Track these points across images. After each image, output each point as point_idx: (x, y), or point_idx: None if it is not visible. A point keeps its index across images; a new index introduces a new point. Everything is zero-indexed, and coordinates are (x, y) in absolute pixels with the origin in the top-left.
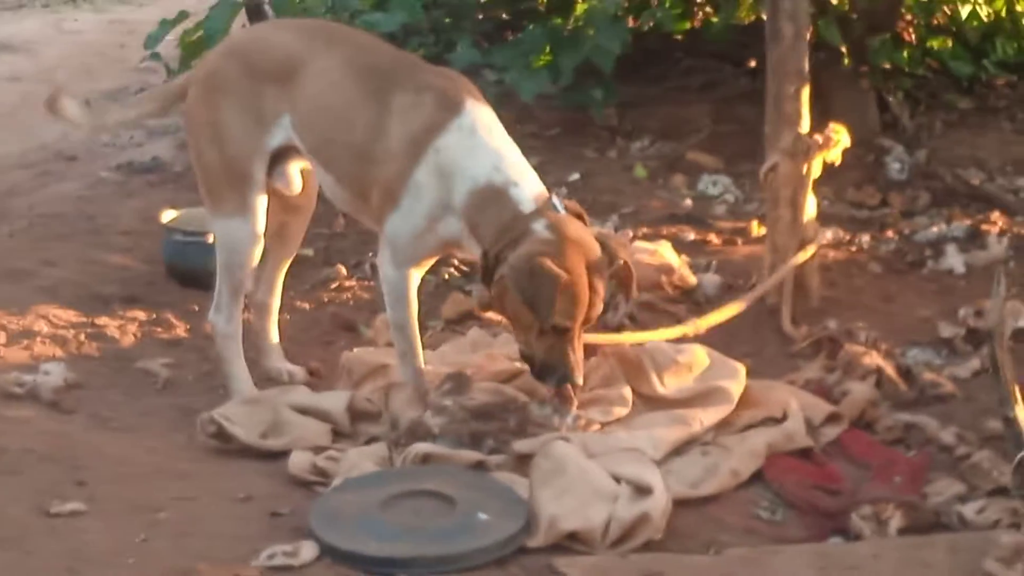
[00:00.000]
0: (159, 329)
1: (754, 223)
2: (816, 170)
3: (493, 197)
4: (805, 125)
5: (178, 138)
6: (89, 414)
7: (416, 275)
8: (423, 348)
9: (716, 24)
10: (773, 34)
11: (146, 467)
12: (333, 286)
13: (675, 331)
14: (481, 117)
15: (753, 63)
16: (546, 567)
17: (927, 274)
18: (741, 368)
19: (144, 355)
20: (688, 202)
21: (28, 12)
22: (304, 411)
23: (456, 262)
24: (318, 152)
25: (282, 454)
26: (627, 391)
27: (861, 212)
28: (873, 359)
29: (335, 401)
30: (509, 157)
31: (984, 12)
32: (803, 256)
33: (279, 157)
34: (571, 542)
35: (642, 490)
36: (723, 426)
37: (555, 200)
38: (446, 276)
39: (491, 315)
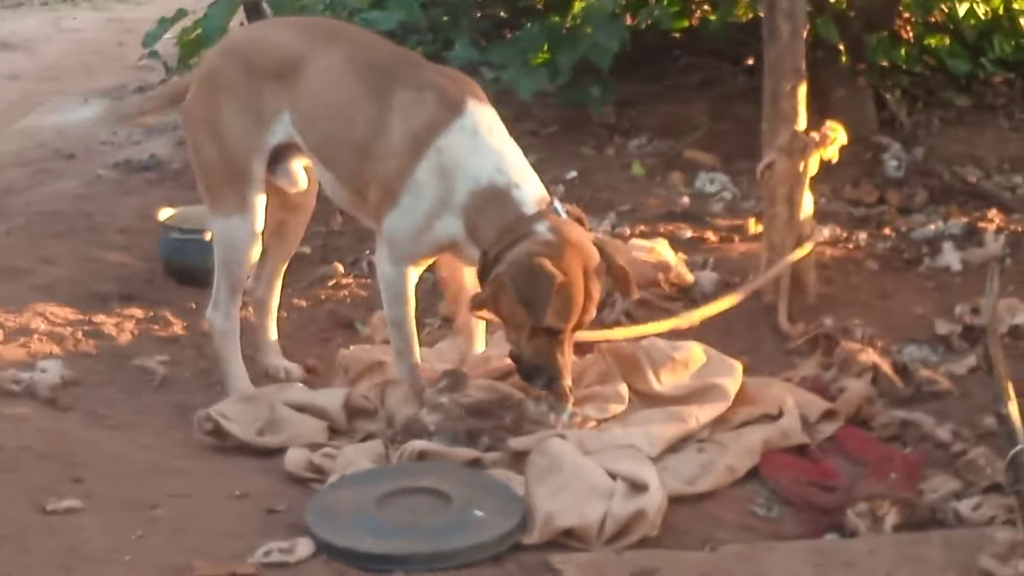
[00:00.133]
0: (156, 327)
1: (751, 221)
2: (813, 168)
3: (495, 198)
4: (802, 123)
5: (176, 136)
6: (86, 411)
7: (414, 273)
8: (420, 346)
9: (714, 22)
10: (770, 32)
11: (143, 464)
12: (330, 284)
13: (666, 324)
14: (483, 118)
15: (751, 61)
16: (542, 564)
17: (924, 271)
18: (737, 365)
19: (141, 353)
20: (685, 200)
21: (27, 10)
22: (301, 408)
23: None
24: (319, 149)
25: (278, 451)
26: (623, 388)
27: (858, 210)
28: (869, 356)
29: (332, 398)
30: (511, 159)
31: (981, 10)
32: (800, 253)
33: (281, 155)
34: (567, 539)
35: (638, 487)
36: (719, 423)
37: (556, 203)
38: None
39: (484, 314)
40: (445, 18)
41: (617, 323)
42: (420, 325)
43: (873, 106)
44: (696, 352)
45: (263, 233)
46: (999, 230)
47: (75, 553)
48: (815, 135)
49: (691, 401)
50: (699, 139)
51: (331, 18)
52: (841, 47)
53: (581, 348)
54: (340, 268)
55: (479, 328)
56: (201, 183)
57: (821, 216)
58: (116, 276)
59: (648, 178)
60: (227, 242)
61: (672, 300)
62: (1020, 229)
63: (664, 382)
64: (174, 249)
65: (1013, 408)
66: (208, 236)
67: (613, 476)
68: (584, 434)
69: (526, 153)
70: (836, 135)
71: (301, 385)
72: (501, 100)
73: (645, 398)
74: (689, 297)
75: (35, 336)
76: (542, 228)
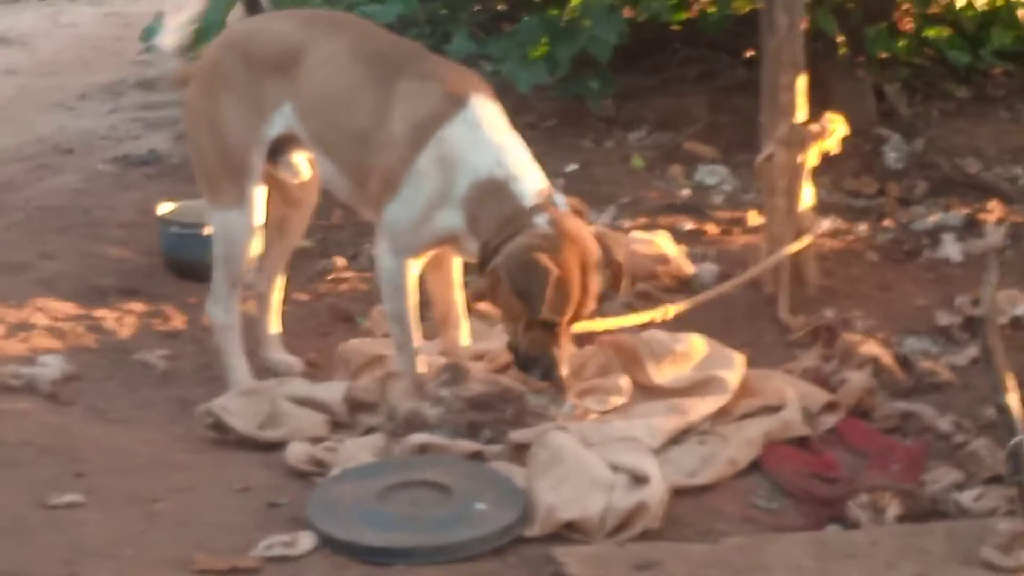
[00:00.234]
0: (157, 321)
1: (751, 213)
2: (812, 160)
3: (494, 190)
4: (801, 115)
5: (175, 131)
6: (87, 406)
7: (414, 265)
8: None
9: (713, 14)
10: (769, 24)
11: (144, 458)
12: (330, 277)
13: (644, 316)
14: (486, 111)
15: (750, 53)
16: (543, 557)
17: (924, 263)
18: (739, 357)
19: (142, 347)
20: (685, 192)
21: (24, 5)
22: (302, 402)
23: None
24: (320, 139)
25: (280, 445)
26: (624, 380)
27: (858, 201)
28: (870, 348)
29: (333, 392)
30: (512, 152)
31: (980, 1)
32: (797, 245)
33: (282, 147)
34: (569, 531)
35: (639, 479)
36: (720, 415)
37: (557, 196)
38: None
39: (484, 306)
40: (443, 11)
41: (617, 315)
42: (421, 318)
43: (873, 98)
44: (697, 344)
45: (264, 228)
46: (999, 221)
47: (77, 547)
48: (814, 127)
49: (692, 393)
50: (699, 131)
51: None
52: (840, 39)
53: (581, 340)
54: (340, 262)
55: (464, 325)
56: (200, 176)
57: (821, 208)
58: (116, 271)
59: (648, 171)
60: (226, 235)
61: (672, 292)
62: (1020, 220)
63: (665, 374)
64: (174, 244)
65: (1012, 399)
66: (207, 231)
67: (615, 468)
68: (585, 426)
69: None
70: (835, 127)
71: (302, 379)
72: (500, 93)
73: (646, 390)
74: (689, 289)
75: (35, 331)
76: (541, 221)
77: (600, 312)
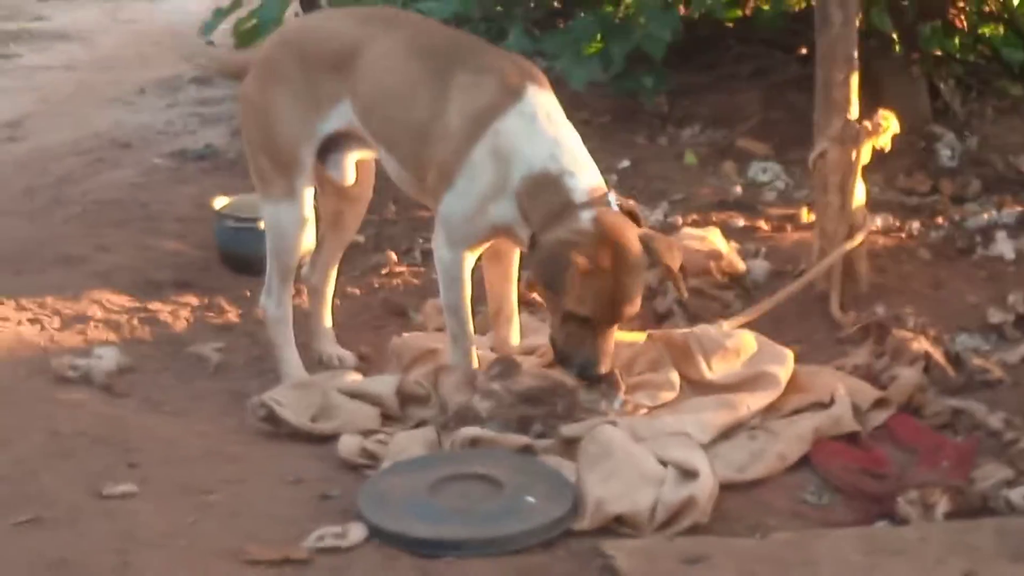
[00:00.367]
0: (211, 314)
1: (803, 210)
2: (865, 156)
3: (547, 184)
4: (854, 112)
5: (231, 126)
6: (141, 398)
7: (470, 258)
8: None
9: (767, 11)
10: (823, 20)
11: (197, 450)
12: (383, 272)
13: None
14: (542, 104)
15: (804, 50)
16: (592, 550)
17: (977, 260)
18: (789, 353)
19: (196, 340)
20: (738, 189)
21: (84, 1)
22: (354, 395)
23: None
24: (381, 135)
25: (332, 437)
26: (674, 375)
27: (911, 199)
28: (921, 345)
29: (384, 385)
30: (567, 146)
31: None
32: (850, 245)
33: (335, 146)
34: (618, 525)
35: (689, 474)
36: (770, 411)
37: (610, 196)
38: None
39: (535, 295)
40: (499, 8)
41: (669, 312)
42: (473, 313)
43: (927, 95)
44: (748, 340)
45: (319, 222)
46: None
47: (130, 537)
48: (867, 124)
49: (742, 389)
50: (752, 128)
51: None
52: (895, 36)
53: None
54: (393, 256)
55: (515, 322)
56: (253, 169)
57: (874, 205)
58: (172, 264)
59: (701, 167)
60: (277, 228)
61: (724, 288)
62: None
63: (715, 370)
64: (229, 237)
65: None
66: (262, 225)
67: (664, 463)
68: (635, 421)
69: None
70: (888, 124)
71: (354, 372)
72: (554, 90)
73: (696, 386)
74: (741, 285)
75: (91, 323)
76: (584, 216)
77: (653, 310)
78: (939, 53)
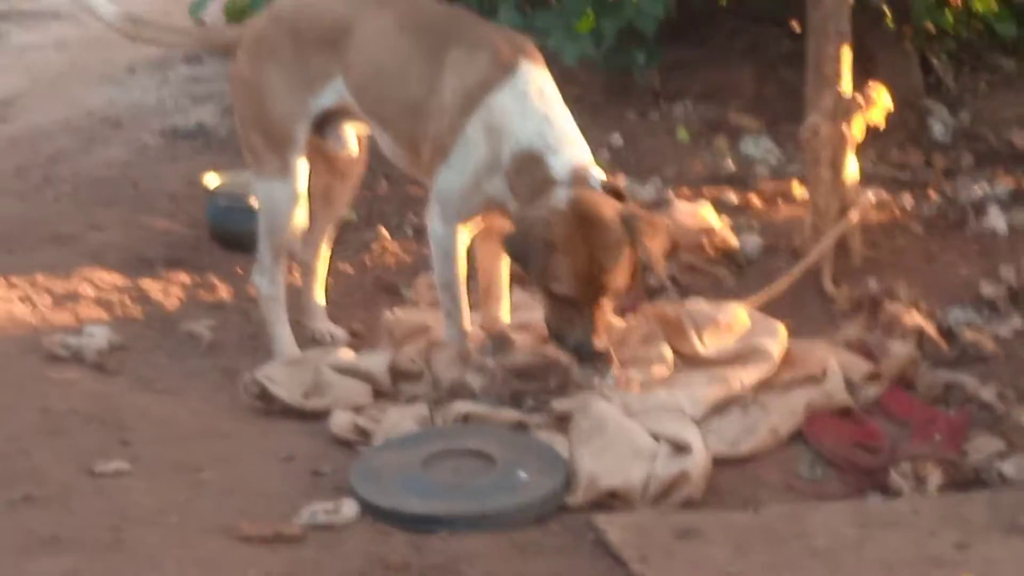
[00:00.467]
0: (203, 292)
1: (796, 184)
2: (858, 131)
3: (531, 161)
4: (846, 86)
5: (222, 104)
6: (133, 376)
7: (464, 233)
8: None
9: None
10: None
11: (189, 427)
12: (375, 248)
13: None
14: (535, 80)
15: (797, 25)
16: (585, 525)
17: (969, 234)
18: (782, 328)
19: (188, 317)
20: (730, 164)
21: None
22: (346, 372)
23: None
24: (375, 111)
25: (324, 414)
26: (667, 351)
27: (904, 173)
28: (914, 318)
29: (376, 361)
30: (556, 123)
31: None
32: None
33: (331, 119)
34: (610, 500)
35: (681, 448)
36: (763, 385)
37: (593, 174)
38: None
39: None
40: None
41: (661, 287)
42: (468, 290)
43: (919, 70)
44: (740, 315)
45: (310, 198)
46: None
47: (123, 514)
48: (859, 98)
49: (735, 363)
50: (744, 103)
51: None
52: (887, 11)
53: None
54: (385, 233)
55: (505, 300)
56: (245, 147)
57: (867, 180)
58: (163, 242)
59: (693, 143)
60: (269, 205)
61: (716, 264)
62: None
63: (708, 345)
64: (220, 215)
65: None
66: (254, 202)
67: (657, 438)
68: (628, 396)
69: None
70: (880, 98)
71: (346, 349)
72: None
73: (689, 360)
74: (733, 261)
75: (83, 301)
76: (560, 195)
77: (646, 289)
78: (932, 27)
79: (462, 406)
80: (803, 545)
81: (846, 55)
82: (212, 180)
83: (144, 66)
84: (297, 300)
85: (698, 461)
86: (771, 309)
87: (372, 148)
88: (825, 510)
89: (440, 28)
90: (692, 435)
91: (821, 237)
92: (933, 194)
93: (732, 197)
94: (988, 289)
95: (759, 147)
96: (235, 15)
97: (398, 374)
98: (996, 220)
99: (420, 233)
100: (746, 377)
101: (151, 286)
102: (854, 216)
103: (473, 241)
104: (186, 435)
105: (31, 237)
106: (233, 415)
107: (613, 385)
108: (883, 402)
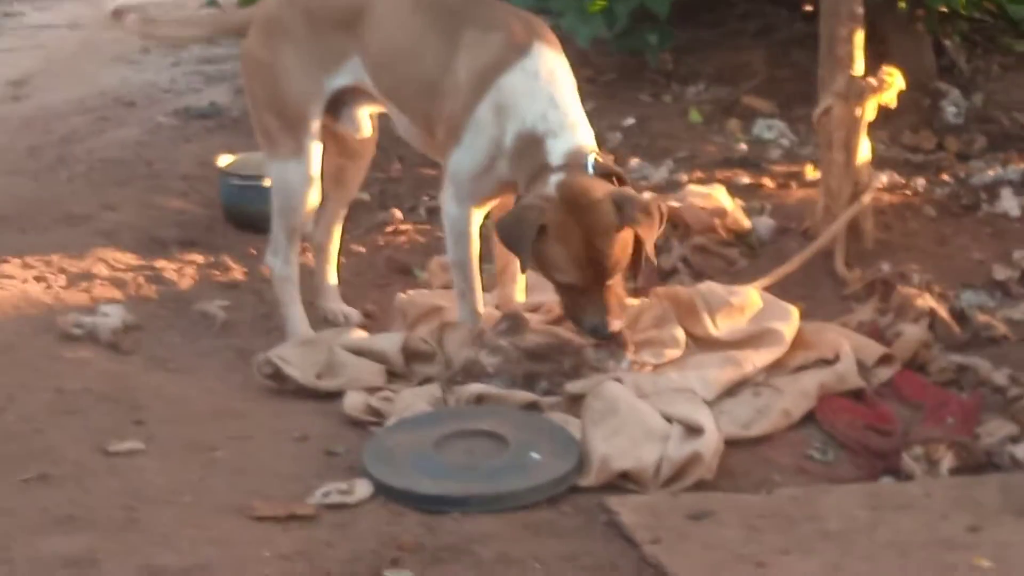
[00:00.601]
0: (216, 272)
1: (808, 167)
2: (870, 113)
3: (532, 144)
4: (859, 68)
5: (235, 84)
6: (147, 355)
7: (478, 214)
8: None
9: None
10: None
11: (203, 407)
12: (388, 230)
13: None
14: (546, 62)
15: (809, 7)
16: (597, 506)
17: (982, 217)
18: (794, 310)
19: (202, 297)
20: (743, 146)
21: None
22: (359, 352)
23: None
24: (391, 92)
25: (337, 394)
26: (679, 332)
27: (916, 156)
28: (926, 301)
29: (390, 342)
30: (562, 107)
31: None
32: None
33: (345, 101)
34: (623, 481)
35: (694, 430)
36: (775, 367)
37: (588, 157)
38: None
39: None
40: None
41: (674, 269)
42: (480, 271)
43: (932, 52)
44: (753, 297)
45: (322, 178)
46: None
47: (136, 494)
48: (872, 80)
49: (747, 346)
50: (757, 86)
51: None
52: None
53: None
54: (398, 214)
55: (520, 280)
56: (258, 128)
57: (879, 162)
58: (176, 222)
59: (705, 125)
60: (283, 187)
61: (728, 246)
62: None
63: (720, 327)
64: (234, 195)
65: None
66: (267, 182)
67: (669, 419)
68: (640, 378)
69: (583, 100)
70: (893, 80)
71: (360, 329)
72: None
73: (701, 342)
74: (746, 243)
75: (97, 281)
76: (552, 181)
77: (658, 267)
78: (944, 9)
79: (475, 387)
80: (815, 527)
81: (859, 37)
82: (225, 161)
83: (157, 46)
84: (310, 281)
85: (710, 443)
86: (784, 292)
87: (384, 129)
88: (837, 492)
89: (456, 8)
90: (704, 417)
91: (834, 219)
92: (946, 177)
93: (745, 179)
94: (1001, 272)
95: (772, 129)
96: None
97: (411, 355)
98: (1009, 203)
99: (433, 214)
100: (759, 359)
101: (165, 266)
102: (866, 198)
103: (489, 221)
104: (200, 415)
105: (45, 217)
106: (246, 395)
107: (627, 368)
108: (895, 385)
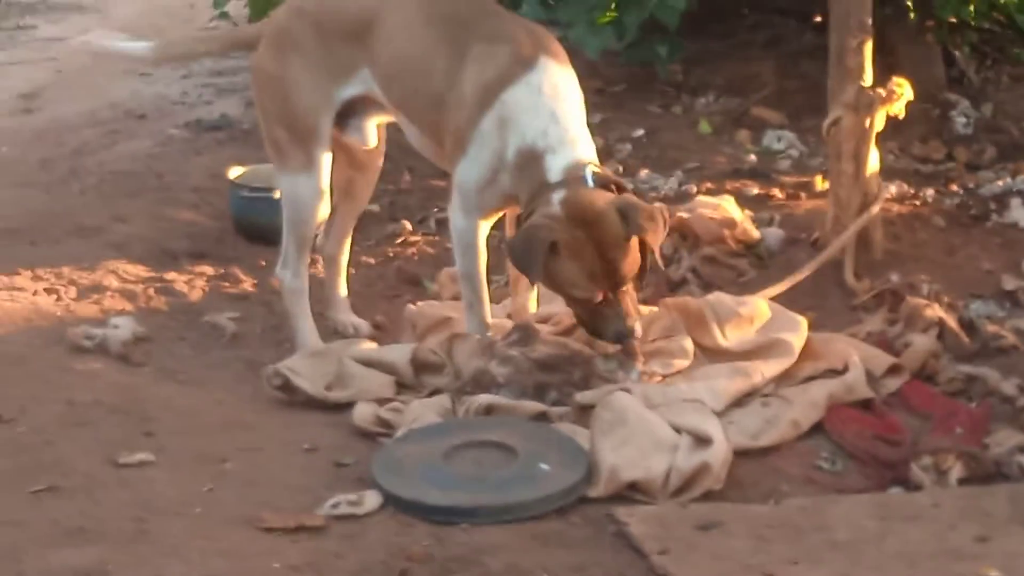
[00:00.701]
0: (227, 284)
1: (818, 178)
2: (879, 124)
3: (531, 160)
4: (868, 79)
5: (246, 96)
6: (157, 367)
7: (485, 225)
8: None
9: None
10: None
11: (213, 418)
12: (398, 241)
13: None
14: (551, 76)
15: (818, 18)
16: (606, 516)
17: (991, 228)
18: (803, 321)
19: (212, 309)
20: (752, 157)
21: None
22: (368, 363)
23: None
24: (402, 104)
25: (347, 406)
26: (688, 343)
27: (926, 166)
28: (935, 311)
29: (399, 353)
30: (563, 123)
31: None
32: (866, 219)
33: (353, 111)
34: (631, 492)
35: (702, 440)
36: (784, 378)
37: (587, 171)
38: None
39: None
40: None
41: (683, 280)
42: (489, 282)
43: (941, 63)
44: (761, 307)
45: (332, 191)
46: None
47: (147, 505)
48: (881, 91)
49: (756, 356)
50: (766, 97)
51: None
52: (909, 4)
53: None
54: (408, 226)
55: (534, 290)
56: (268, 141)
57: (888, 173)
58: (187, 234)
59: (715, 136)
60: (294, 200)
61: (738, 257)
62: None
63: (729, 337)
64: (244, 207)
65: None
66: (277, 194)
67: (678, 430)
68: (649, 388)
69: (593, 112)
70: (902, 91)
71: (369, 341)
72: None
73: (710, 353)
74: (755, 254)
75: (107, 293)
76: (555, 199)
77: (667, 278)
78: (954, 20)
79: (484, 398)
80: (824, 538)
81: (868, 48)
82: (236, 173)
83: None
84: (320, 292)
85: (719, 453)
86: (792, 302)
87: (393, 140)
88: (846, 503)
89: (464, 20)
90: (713, 427)
91: (843, 230)
92: (955, 187)
93: (754, 190)
94: (1010, 282)
95: (781, 140)
96: (257, 7)
97: (420, 366)
98: (1018, 213)
99: (443, 225)
100: (767, 370)
101: (175, 278)
102: (875, 209)
103: (502, 231)
104: (209, 426)
105: (56, 229)
106: (256, 406)
107: (637, 379)
108: (904, 395)
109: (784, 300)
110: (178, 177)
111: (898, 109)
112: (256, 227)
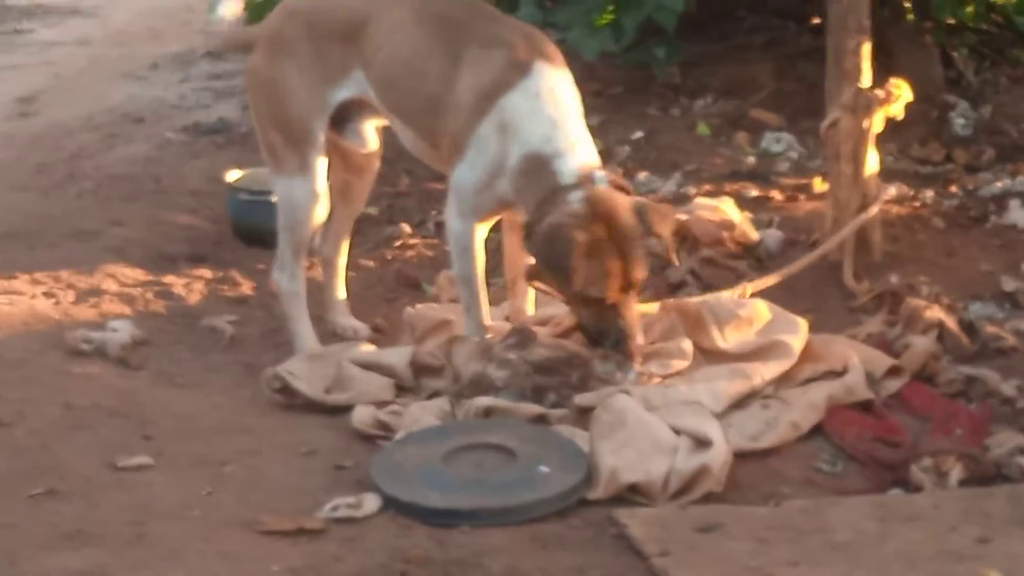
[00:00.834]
0: (225, 287)
1: (817, 179)
2: (878, 125)
3: (538, 166)
4: (866, 80)
5: (243, 99)
6: (156, 370)
7: (482, 229)
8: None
9: None
10: None
11: (212, 422)
12: (397, 244)
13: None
14: (548, 81)
15: (816, 20)
16: (606, 519)
17: (990, 229)
18: (802, 322)
19: (210, 312)
20: (751, 159)
21: None
22: (367, 366)
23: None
24: (396, 107)
25: (346, 408)
26: (687, 345)
27: (925, 168)
28: (935, 313)
29: (398, 356)
30: (565, 127)
31: None
32: (864, 218)
33: (349, 115)
34: (631, 494)
35: (702, 443)
36: (784, 380)
37: (598, 173)
38: None
39: (538, 284)
40: None
41: (682, 282)
42: (487, 285)
43: (940, 64)
44: (761, 309)
45: (328, 194)
46: None
47: (145, 509)
48: (879, 92)
49: (756, 358)
50: (764, 99)
51: None
52: (907, 5)
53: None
54: (407, 228)
55: (531, 293)
56: (263, 145)
57: (887, 174)
58: (185, 238)
59: (713, 138)
60: (290, 203)
61: (737, 258)
62: None
63: (729, 339)
64: (242, 210)
65: None
66: (275, 198)
67: (677, 432)
68: (648, 390)
69: (591, 115)
70: (900, 92)
71: (368, 344)
72: (566, 61)
73: (710, 355)
74: (754, 256)
75: (106, 297)
76: (575, 197)
77: (665, 280)
78: (952, 22)
79: (483, 400)
80: (824, 539)
81: (866, 50)
82: (234, 177)
83: (166, 62)
84: (319, 295)
85: (719, 455)
86: (792, 304)
87: (391, 144)
88: (846, 504)
89: (459, 22)
90: (713, 429)
91: (841, 231)
92: (954, 189)
93: (753, 192)
94: (1009, 284)
95: (780, 142)
96: (254, 11)
97: (419, 369)
98: (1017, 214)
99: (442, 229)
100: (767, 372)
101: (173, 281)
102: (874, 209)
103: (502, 235)
104: (208, 429)
105: (54, 233)
106: (255, 409)
107: (635, 380)
108: (904, 397)
109: (783, 301)
110: (176, 181)
111: (897, 110)
112: (254, 230)
